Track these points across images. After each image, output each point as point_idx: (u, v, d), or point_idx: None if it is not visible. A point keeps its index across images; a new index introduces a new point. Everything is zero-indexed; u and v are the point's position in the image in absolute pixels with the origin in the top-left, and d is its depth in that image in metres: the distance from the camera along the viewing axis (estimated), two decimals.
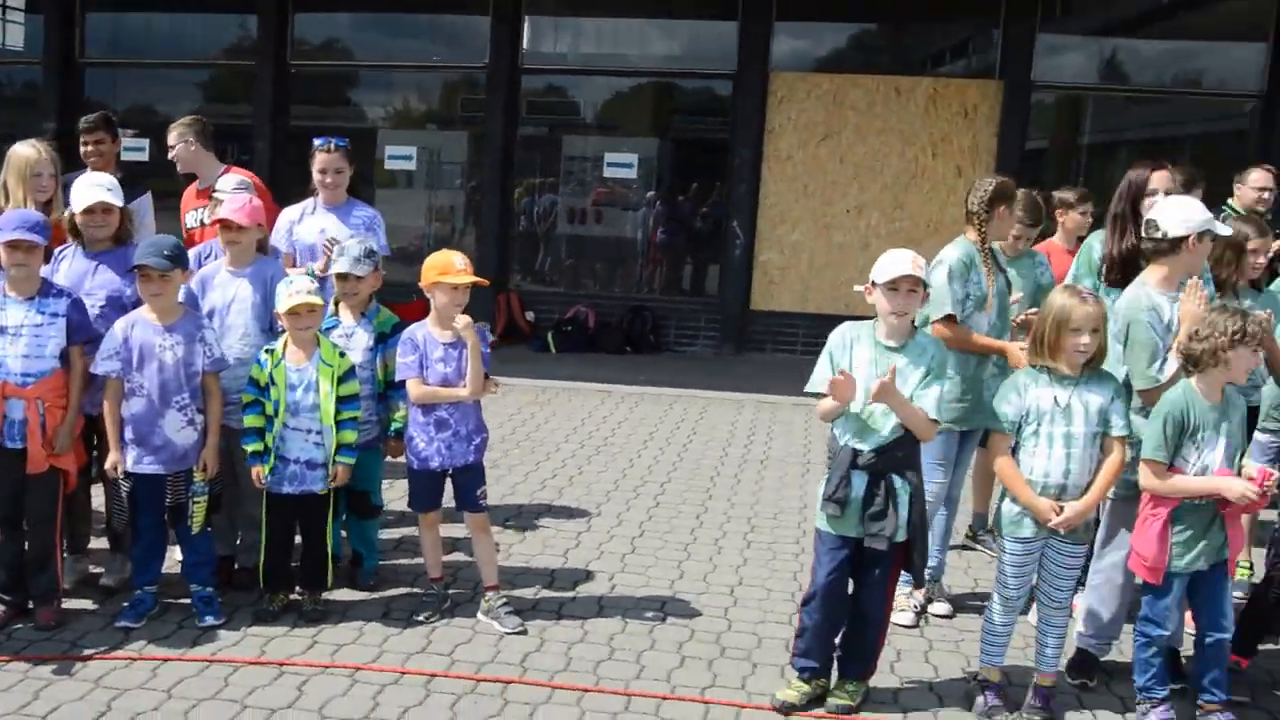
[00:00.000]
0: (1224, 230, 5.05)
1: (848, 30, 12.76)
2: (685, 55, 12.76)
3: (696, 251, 13.04)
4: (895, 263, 4.56)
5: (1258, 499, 4.50)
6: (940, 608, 5.80)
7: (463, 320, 5.12)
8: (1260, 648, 5.27)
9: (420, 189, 13.24)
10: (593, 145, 13.01)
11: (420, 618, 5.37)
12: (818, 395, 4.63)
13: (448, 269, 5.19)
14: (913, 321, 4.73)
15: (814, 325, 11.48)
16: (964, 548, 6.66)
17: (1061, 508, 4.61)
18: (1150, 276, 4.99)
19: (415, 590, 5.66)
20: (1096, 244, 5.80)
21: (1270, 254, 5.88)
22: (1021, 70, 11.93)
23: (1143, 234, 5.00)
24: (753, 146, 12.05)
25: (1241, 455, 4.69)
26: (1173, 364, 4.75)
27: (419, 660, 4.99)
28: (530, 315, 12.47)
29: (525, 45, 12.66)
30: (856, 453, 4.57)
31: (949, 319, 5.53)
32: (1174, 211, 4.90)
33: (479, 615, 5.38)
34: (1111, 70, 12.50)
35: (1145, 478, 4.63)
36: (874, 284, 4.62)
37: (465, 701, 4.66)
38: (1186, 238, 4.86)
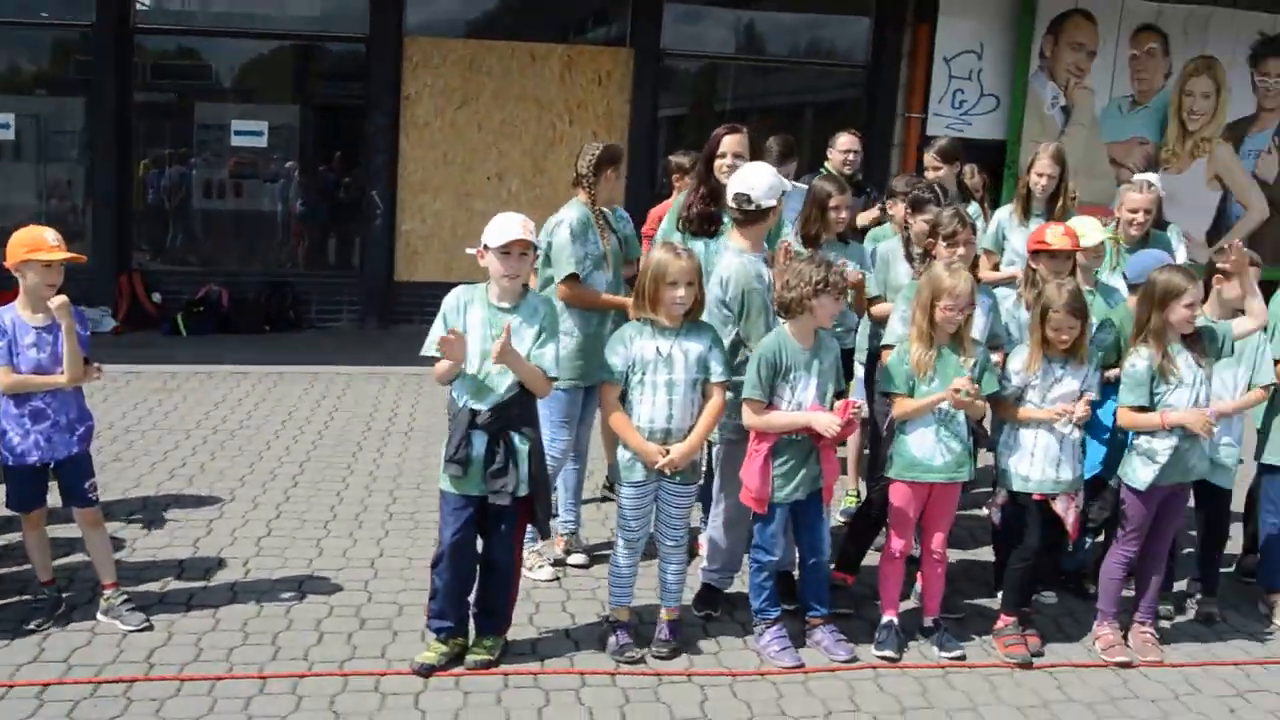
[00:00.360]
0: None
1: None
2: (321, 16, 12.21)
3: (339, 223, 12.67)
4: (506, 227, 4.67)
5: (842, 429, 4.88)
6: (577, 559, 5.99)
7: (57, 301, 4.81)
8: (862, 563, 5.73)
9: (28, 161, 12.14)
10: (229, 113, 12.32)
11: (31, 625, 5.02)
12: (434, 359, 4.66)
13: (38, 245, 4.84)
14: (524, 284, 4.84)
15: None
16: (603, 499, 6.88)
17: (667, 450, 4.85)
18: (742, 242, 5.30)
19: (26, 597, 5.29)
20: (681, 200, 6.13)
21: (849, 209, 6.30)
22: (651, 38, 12.26)
23: (733, 204, 5.28)
24: (389, 113, 11.81)
25: (836, 394, 5.06)
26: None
27: (31, 670, 4.68)
28: (157, 297, 11.62)
29: (144, 2, 11.84)
30: (475, 412, 4.66)
31: (572, 278, 5.67)
32: (762, 183, 5.20)
33: (98, 616, 5.10)
34: (738, 40, 13.04)
35: (746, 415, 4.96)
36: (486, 247, 4.70)
37: (84, 707, 4.43)
38: (775, 205, 5.19)
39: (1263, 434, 5.96)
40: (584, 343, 5.73)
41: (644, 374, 4.93)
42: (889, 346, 5.48)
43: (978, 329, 5.43)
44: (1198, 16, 12.88)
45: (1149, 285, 5.25)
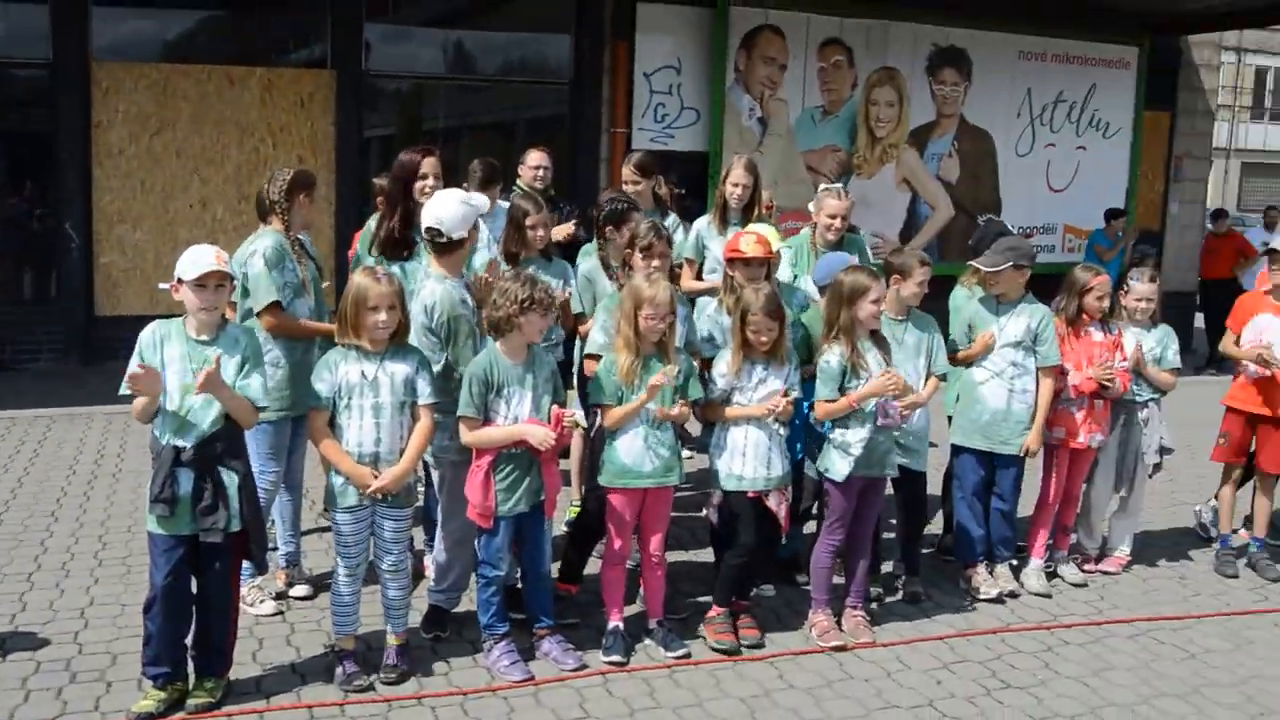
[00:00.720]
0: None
1: (173, 18, 12.16)
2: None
3: (35, 257, 11.86)
4: (199, 259, 4.57)
5: (556, 439, 4.99)
6: (301, 590, 5.89)
7: None
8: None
9: None
10: None
11: None
12: (131, 397, 4.51)
13: None
14: (223, 315, 4.74)
15: None
16: (325, 529, 6.76)
17: (377, 474, 4.85)
18: (440, 270, 5.35)
19: None
20: (373, 224, 6.19)
21: (544, 226, 6.42)
22: (352, 60, 12.13)
23: (425, 235, 5.33)
24: (80, 141, 11.23)
25: (552, 404, 5.16)
26: None
27: None
28: None
29: None
30: (178, 449, 4.52)
31: (274, 306, 5.57)
32: (450, 215, 5.25)
33: None
34: (443, 59, 13.03)
35: (461, 432, 5.02)
36: (180, 281, 4.57)
37: None
38: (465, 236, 5.29)
39: (951, 418, 6.44)
40: (291, 372, 5.62)
41: (350, 398, 4.92)
42: (593, 356, 5.63)
43: (677, 338, 5.63)
44: (877, 30, 13.75)
45: (837, 285, 5.59)
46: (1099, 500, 6.78)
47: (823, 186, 7.12)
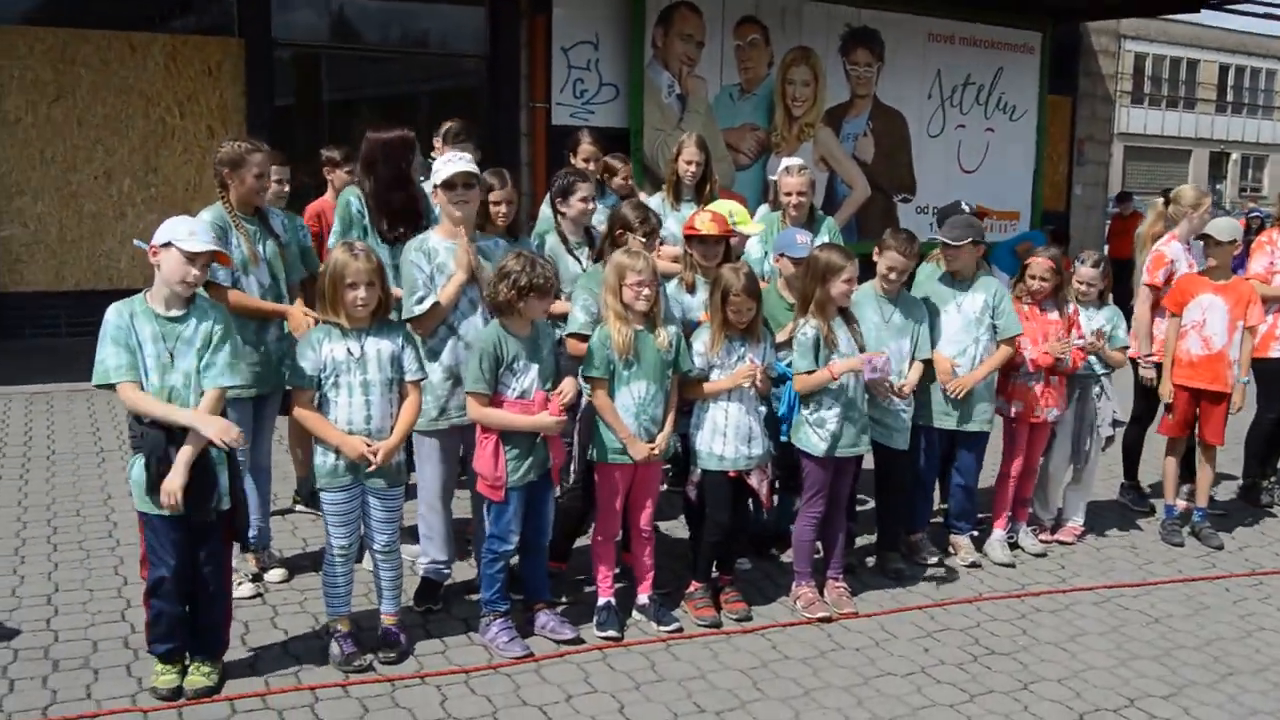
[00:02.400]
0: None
1: None
2: None
3: None
4: (203, 233, 4.41)
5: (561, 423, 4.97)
6: (276, 574, 5.72)
7: None
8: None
9: None
10: None
11: None
12: (107, 386, 4.34)
13: None
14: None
15: (76, 304, 10.75)
16: (286, 511, 6.58)
17: (370, 444, 4.77)
18: (439, 227, 5.35)
19: None
20: (353, 199, 5.95)
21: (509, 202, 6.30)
22: (260, 28, 11.78)
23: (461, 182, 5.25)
24: None
25: (552, 380, 5.09)
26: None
27: None
28: None
29: None
30: (169, 429, 4.33)
31: (210, 285, 5.14)
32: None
33: None
34: (349, 29, 12.77)
35: (471, 408, 4.92)
36: (166, 245, 4.37)
37: None
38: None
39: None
40: (246, 350, 5.25)
41: (337, 376, 4.79)
42: (578, 335, 5.52)
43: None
44: (792, 9, 13.85)
45: (812, 262, 5.62)
46: (1056, 472, 6.95)
47: (783, 164, 7.10)
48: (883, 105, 14.66)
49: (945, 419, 6.34)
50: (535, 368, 5.00)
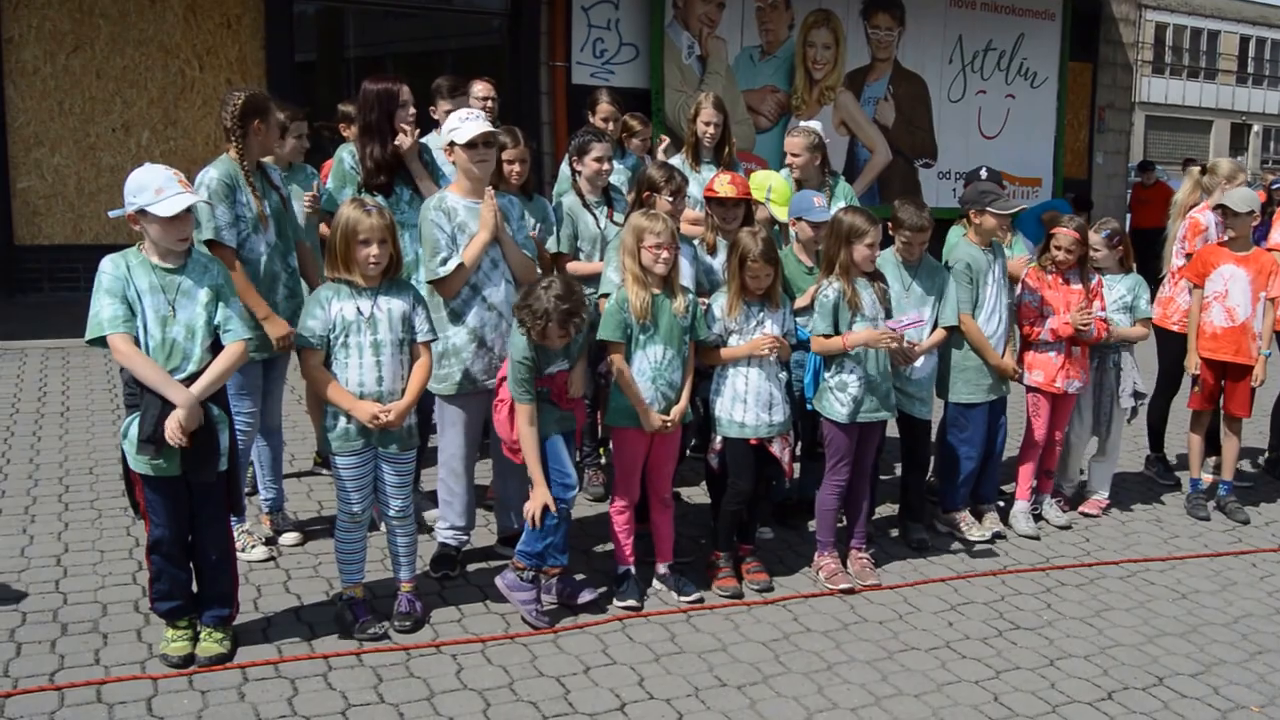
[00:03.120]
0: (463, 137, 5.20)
1: None
2: None
3: None
4: (167, 187, 4.25)
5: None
6: (290, 537, 5.65)
7: None
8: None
9: None
10: None
11: None
12: (98, 341, 4.22)
13: None
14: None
15: (94, 258, 10.27)
16: (306, 474, 6.51)
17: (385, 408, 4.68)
18: (454, 186, 5.25)
19: None
20: (346, 155, 5.86)
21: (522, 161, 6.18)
22: None
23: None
24: None
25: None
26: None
27: None
28: None
29: None
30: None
31: (212, 243, 5.04)
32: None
33: None
34: None
35: (520, 422, 4.90)
36: (143, 211, 4.22)
37: None
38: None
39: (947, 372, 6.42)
40: (249, 312, 5.07)
41: (347, 336, 4.69)
42: (607, 296, 5.44)
43: (686, 276, 5.49)
44: None
45: (836, 224, 5.53)
46: (1077, 443, 6.85)
47: (801, 125, 6.98)
48: (904, 70, 14.45)
49: (993, 393, 6.27)
50: (566, 362, 4.98)
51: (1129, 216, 16.09)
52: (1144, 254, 14.80)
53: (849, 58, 14.04)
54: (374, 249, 4.62)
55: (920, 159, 14.78)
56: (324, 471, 6.56)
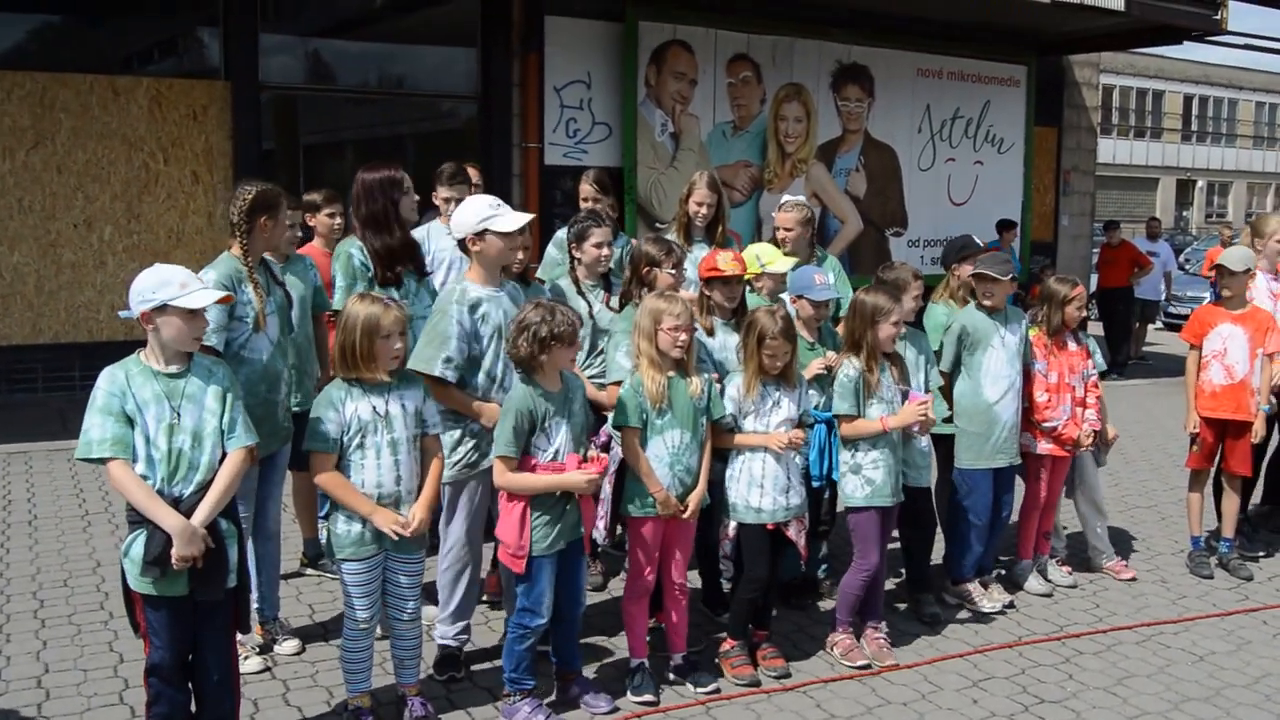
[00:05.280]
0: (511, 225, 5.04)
1: (49, 23, 11.39)
2: None
3: None
4: (190, 282, 4.06)
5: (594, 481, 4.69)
6: (289, 645, 5.39)
7: None
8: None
9: None
10: None
11: None
12: (100, 461, 3.94)
13: None
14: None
15: (55, 357, 10.21)
16: (292, 575, 6.25)
17: (402, 518, 4.48)
18: (473, 275, 5.04)
19: None
20: (355, 250, 5.64)
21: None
22: (248, 71, 11.46)
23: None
24: None
25: (586, 435, 4.81)
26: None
27: None
28: None
29: None
30: (176, 499, 3.98)
31: (208, 349, 4.78)
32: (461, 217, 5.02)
33: None
34: (336, 72, 12.50)
35: (497, 474, 4.62)
36: (152, 310, 4.02)
37: None
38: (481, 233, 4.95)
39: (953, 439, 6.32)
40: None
41: (363, 437, 4.48)
42: (618, 383, 5.27)
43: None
44: (783, 46, 13.70)
45: (859, 306, 5.48)
46: (1089, 514, 6.87)
47: (783, 199, 6.92)
48: (874, 140, 14.51)
49: (999, 459, 6.21)
50: (567, 426, 4.70)
51: (1094, 277, 16.18)
52: (1110, 313, 15.04)
53: (820, 130, 14.08)
54: (397, 342, 4.47)
55: (891, 228, 14.81)
56: (309, 572, 6.32)
